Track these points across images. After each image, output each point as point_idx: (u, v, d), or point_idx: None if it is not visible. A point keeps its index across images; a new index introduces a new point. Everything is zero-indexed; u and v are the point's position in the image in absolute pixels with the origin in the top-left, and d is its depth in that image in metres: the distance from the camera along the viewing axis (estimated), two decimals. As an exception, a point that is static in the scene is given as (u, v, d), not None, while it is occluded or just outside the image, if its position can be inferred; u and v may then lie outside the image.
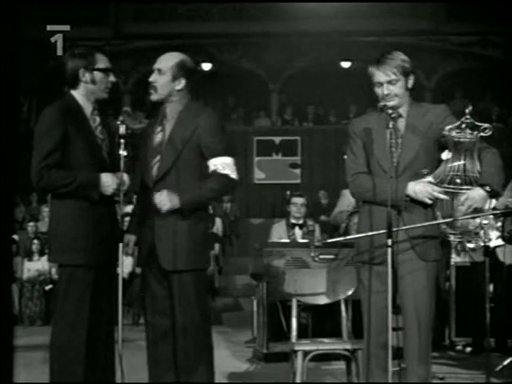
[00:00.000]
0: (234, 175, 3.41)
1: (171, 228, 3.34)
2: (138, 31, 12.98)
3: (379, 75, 3.18)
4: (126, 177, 3.39)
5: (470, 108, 3.06)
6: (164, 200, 3.29)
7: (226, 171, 3.37)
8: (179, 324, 3.35)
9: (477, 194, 3.05)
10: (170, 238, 3.34)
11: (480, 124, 3.06)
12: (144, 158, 3.44)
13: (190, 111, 3.43)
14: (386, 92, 3.18)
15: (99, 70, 3.41)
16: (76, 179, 3.30)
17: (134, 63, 13.23)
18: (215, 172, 3.37)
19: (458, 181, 3.06)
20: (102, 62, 3.43)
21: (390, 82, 3.17)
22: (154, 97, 3.44)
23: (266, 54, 13.56)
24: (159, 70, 3.43)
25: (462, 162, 3.07)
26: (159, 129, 3.44)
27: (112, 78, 3.48)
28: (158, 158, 3.40)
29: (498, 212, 4.74)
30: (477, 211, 3.08)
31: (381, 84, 3.18)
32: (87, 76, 3.39)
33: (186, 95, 3.45)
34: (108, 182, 3.33)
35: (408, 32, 12.82)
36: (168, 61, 3.44)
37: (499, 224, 5.49)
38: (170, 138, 3.39)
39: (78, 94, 3.42)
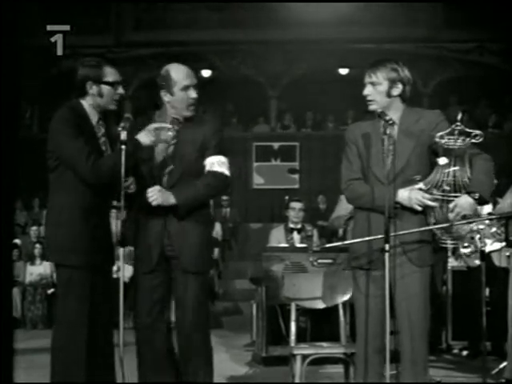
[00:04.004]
0: (227, 172, 3.50)
1: (189, 231, 3.43)
2: (139, 39, 13.04)
3: (365, 76, 3.28)
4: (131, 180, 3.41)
5: (461, 115, 3.11)
6: (155, 195, 3.36)
7: (221, 168, 3.48)
8: (187, 324, 3.42)
9: (465, 201, 3.07)
10: (189, 240, 3.43)
11: (471, 131, 3.09)
12: (152, 165, 3.47)
13: (194, 122, 3.52)
14: (365, 92, 3.26)
15: (107, 83, 3.41)
16: (111, 156, 3.32)
17: (134, 70, 13.28)
18: (210, 170, 3.47)
19: (447, 188, 3.10)
20: (110, 75, 3.42)
21: (372, 84, 3.25)
22: (194, 112, 3.49)
23: (265, 61, 13.62)
24: (195, 86, 3.47)
25: (452, 168, 3.10)
26: (174, 141, 3.47)
27: (120, 90, 3.47)
28: (171, 167, 3.46)
29: (496, 216, 4.79)
30: (466, 218, 3.11)
31: (365, 85, 3.27)
32: (94, 89, 3.40)
33: None
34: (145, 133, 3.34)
35: (405, 39, 12.88)
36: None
37: (494, 229, 5.53)
38: (181, 149, 3.47)
39: (85, 103, 3.44)
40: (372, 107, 3.27)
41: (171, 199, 3.38)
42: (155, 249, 3.45)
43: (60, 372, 3.35)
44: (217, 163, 3.46)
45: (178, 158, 3.46)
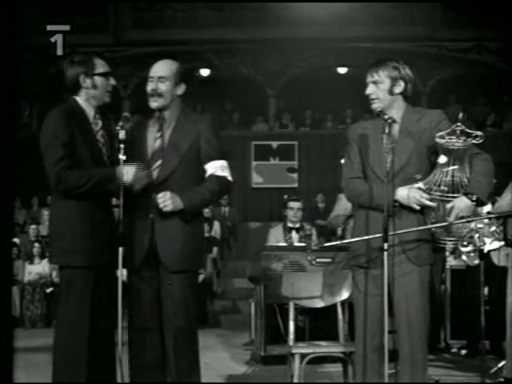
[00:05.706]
0: (230, 177, 3.53)
1: (173, 229, 3.41)
2: (138, 38, 13.04)
3: (367, 76, 3.31)
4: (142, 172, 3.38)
5: (462, 115, 3.11)
6: (167, 201, 3.36)
7: (224, 173, 3.50)
8: (173, 324, 3.40)
9: (462, 203, 3.08)
10: (173, 239, 3.41)
11: (471, 131, 3.09)
12: (141, 162, 3.46)
13: (187, 117, 3.53)
14: (367, 91, 3.30)
15: (99, 74, 3.45)
16: (92, 177, 3.33)
17: (133, 69, 13.29)
18: (214, 174, 3.47)
19: (445, 188, 3.10)
20: (101, 66, 3.47)
21: (374, 83, 3.28)
22: (158, 103, 3.48)
23: (264, 59, 13.62)
24: (161, 78, 3.48)
25: (451, 168, 3.10)
26: (158, 134, 3.50)
27: (112, 81, 3.52)
28: (159, 162, 3.46)
29: (495, 215, 4.79)
30: (464, 218, 3.10)
31: (367, 84, 3.30)
32: (88, 82, 3.44)
33: (182, 100, 3.55)
34: (126, 171, 3.32)
35: (404, 38, 12.89)
36: (169, 67, 3.51)
37: (493, 228, 5.53)
38: (172, 143, 3.47)
39: (80, 99, 3.46)
40: (375, 105, 3.29)
41: (180, 204, 3.38)
42: (142, 247, 3.44)
43: (61, 371, 3.34)
44: (219, 168, 3.48)
45: (169, 153, 3.45)
